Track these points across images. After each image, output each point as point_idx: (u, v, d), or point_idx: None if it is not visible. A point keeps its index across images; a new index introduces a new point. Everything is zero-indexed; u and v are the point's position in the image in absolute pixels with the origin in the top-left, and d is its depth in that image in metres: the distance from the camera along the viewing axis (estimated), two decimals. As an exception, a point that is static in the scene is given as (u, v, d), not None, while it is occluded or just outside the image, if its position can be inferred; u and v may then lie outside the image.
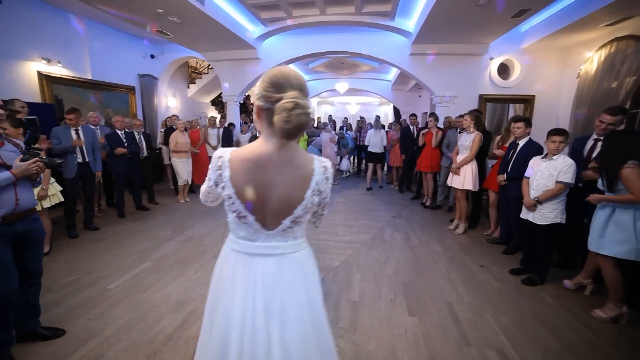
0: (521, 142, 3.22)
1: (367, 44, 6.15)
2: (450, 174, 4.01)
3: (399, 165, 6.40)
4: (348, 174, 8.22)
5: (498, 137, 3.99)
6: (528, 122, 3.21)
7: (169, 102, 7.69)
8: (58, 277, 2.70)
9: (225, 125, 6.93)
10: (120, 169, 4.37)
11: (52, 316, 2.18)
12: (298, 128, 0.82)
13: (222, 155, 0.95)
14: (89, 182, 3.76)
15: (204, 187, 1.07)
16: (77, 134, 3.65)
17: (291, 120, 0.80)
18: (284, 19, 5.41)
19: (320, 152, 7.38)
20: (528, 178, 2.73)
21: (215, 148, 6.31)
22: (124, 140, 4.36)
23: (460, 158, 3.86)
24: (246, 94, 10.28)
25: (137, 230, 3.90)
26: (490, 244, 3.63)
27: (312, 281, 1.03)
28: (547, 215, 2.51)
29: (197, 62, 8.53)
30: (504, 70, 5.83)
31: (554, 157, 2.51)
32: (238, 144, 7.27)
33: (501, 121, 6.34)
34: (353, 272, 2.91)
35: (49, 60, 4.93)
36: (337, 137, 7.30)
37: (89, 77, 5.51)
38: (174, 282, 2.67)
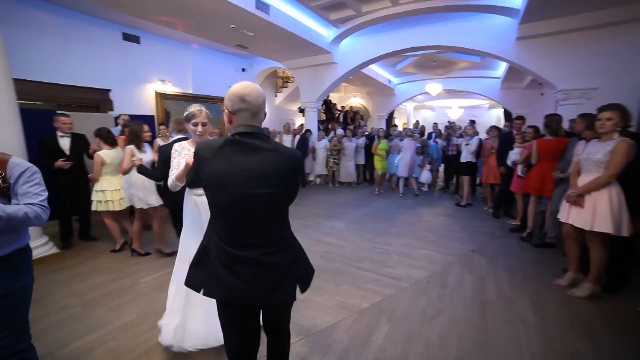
0: None
1: (456, 34, 5.07)
2: (566, 204, 2.63)
3: (493, 182, 4.93)
4: (427, 189, 7.03)
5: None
6: None
7: (257, 110, 8.40)
8: (110, 263, 3.11)
9: (302, 131, 7.02)
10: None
11: (86, 299, 2.45)
12: None
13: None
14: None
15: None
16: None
17: None
18: (355, 17, 5.01)
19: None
20: None
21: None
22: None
23: (585, 180, 2.49)
24: (331, 101, 10.36)
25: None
26: None
27: None
28: None
29: (283, 72, 9.06)
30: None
31: None
32: (314, 152, 7.23)
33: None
34: (380, 324, 2.19)
35: (163, 81, 6.12)
36: (417, 145, 6.30)
37: (190, 91, 6.58)
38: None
